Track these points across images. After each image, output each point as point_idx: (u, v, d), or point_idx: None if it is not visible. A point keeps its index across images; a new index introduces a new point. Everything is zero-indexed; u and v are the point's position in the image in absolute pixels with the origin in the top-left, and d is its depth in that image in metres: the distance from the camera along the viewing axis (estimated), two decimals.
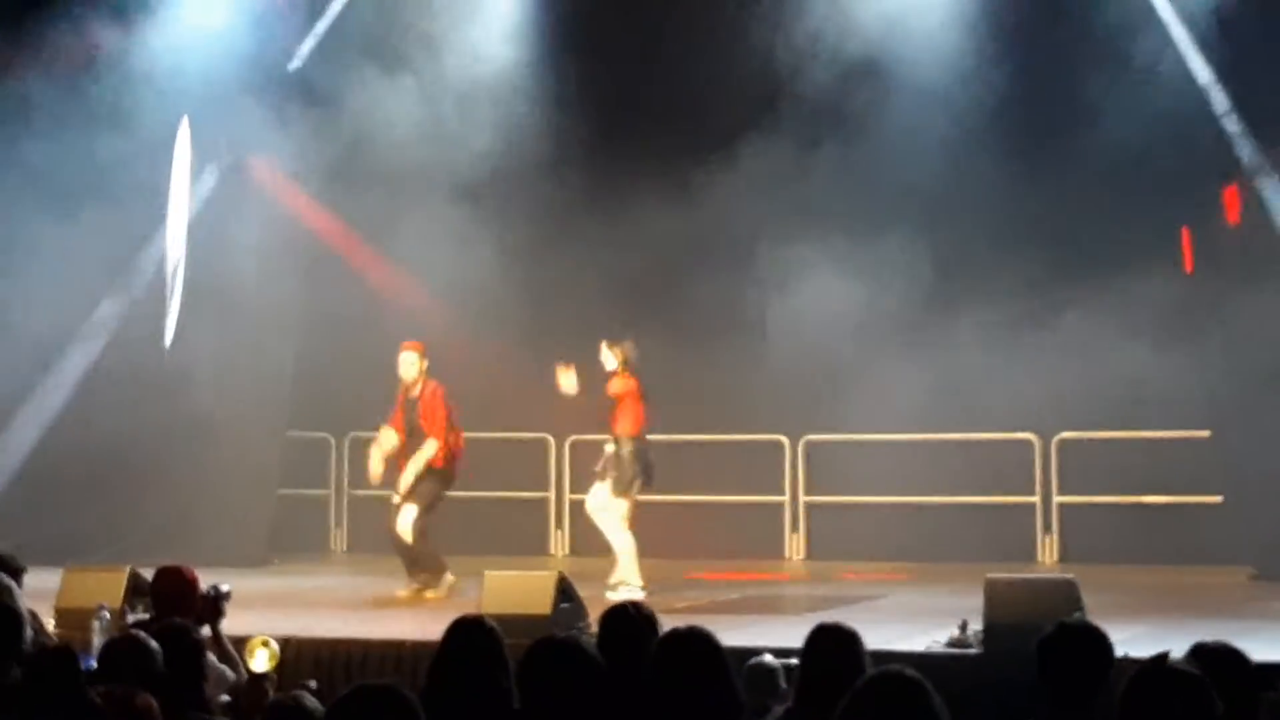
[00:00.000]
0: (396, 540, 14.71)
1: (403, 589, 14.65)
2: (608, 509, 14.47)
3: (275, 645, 7.87)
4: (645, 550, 14.60)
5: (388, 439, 14.88)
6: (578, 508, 18.33)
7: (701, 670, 5.49)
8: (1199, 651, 6.14)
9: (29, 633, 8.01)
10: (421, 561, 14.66)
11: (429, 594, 14.47)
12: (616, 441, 14.46)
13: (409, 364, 14.81)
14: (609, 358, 14.56)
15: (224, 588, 8.99)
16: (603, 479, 14.48)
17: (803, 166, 17.21)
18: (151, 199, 17.58)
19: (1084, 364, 17.20)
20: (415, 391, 14.79)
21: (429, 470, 14.72)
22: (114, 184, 16.66)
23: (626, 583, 14.30)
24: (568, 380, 14.60)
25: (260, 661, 7.75)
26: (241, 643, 8.56)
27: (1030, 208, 17.29)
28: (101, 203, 16.51)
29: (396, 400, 14.89)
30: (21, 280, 16.67)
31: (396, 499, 14.74)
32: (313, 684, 6.60)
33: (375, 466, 14.97)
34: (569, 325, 16.28)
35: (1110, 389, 17.20)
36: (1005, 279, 17.06)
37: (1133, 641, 7.20)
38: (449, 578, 14.52)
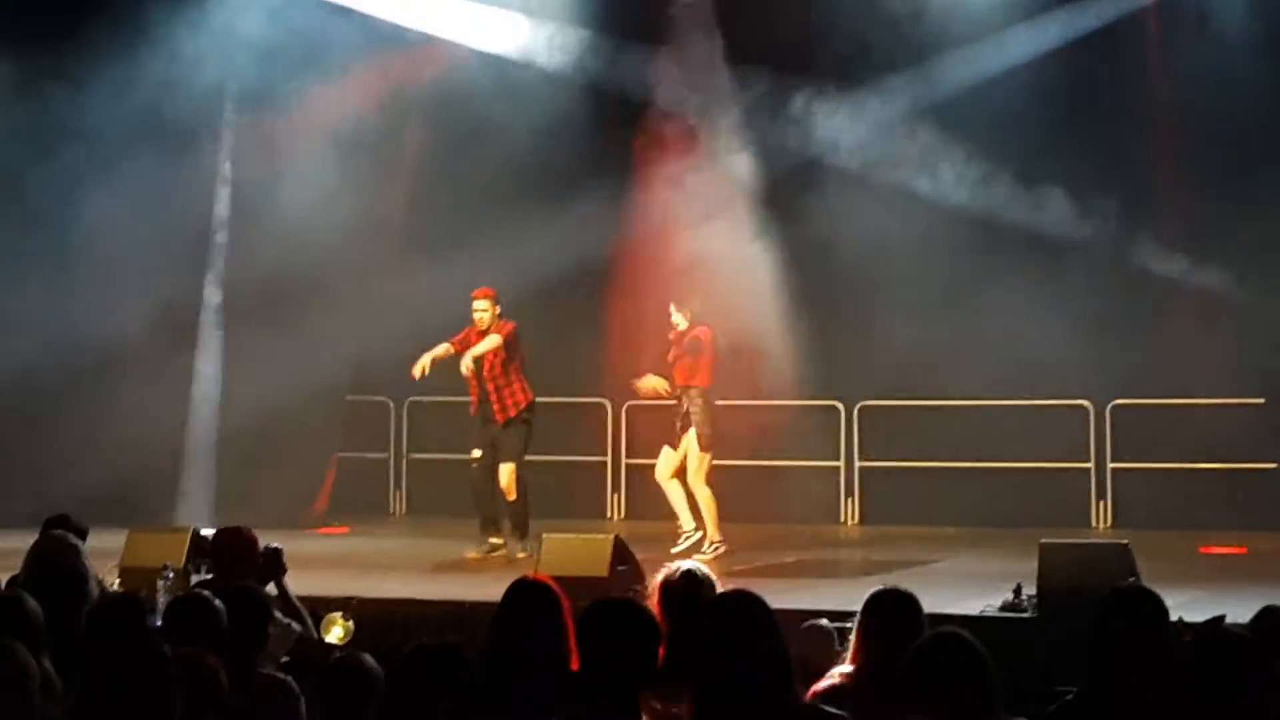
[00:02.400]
0: (500, 497, 14.79)
1: (472, 549, 14.71)
2: (695, 464, 14.59)
3: (350, 623, 8.00)
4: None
5: (441, 348, 14.97)
6: (634, 472, 18.45)
7: (750, 633, 5.53)
8: (1266, 615, 6.17)
9: (94, 593, 8.15)
10: (517, 518, 14.74)
11: (499, 553, 14.57)
12: (688, 393, 14.57)
13: (482, 311, 14.87)
14: (680, 318, 14.67)
15: (278, 546, 9.11)
16: (685, 433, 14.61)
17: (854, 112, 17.27)
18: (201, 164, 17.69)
19: (1138, 330, 17.19)
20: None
21: (514, 422, 14.80)
22: (164, 149, 16.81)
23: (712, 540, 14.48)
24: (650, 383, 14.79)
25: (334, 634, 7.87)
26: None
27: (1091, 173, 17.26)
28: (153, 168, 16.67)
29: (468, 337, 14.95)
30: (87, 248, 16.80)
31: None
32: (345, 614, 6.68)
33: (421, 365, 15.00)
34: (624, 291, 16.32)
35: (1165, 356, 17.19)
36: (1064, 245, 17.02)
37: (1186, 606, 7.25)
38: (521, 549, 14.59)
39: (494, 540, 14.77)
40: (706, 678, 5.46)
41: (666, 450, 14.84)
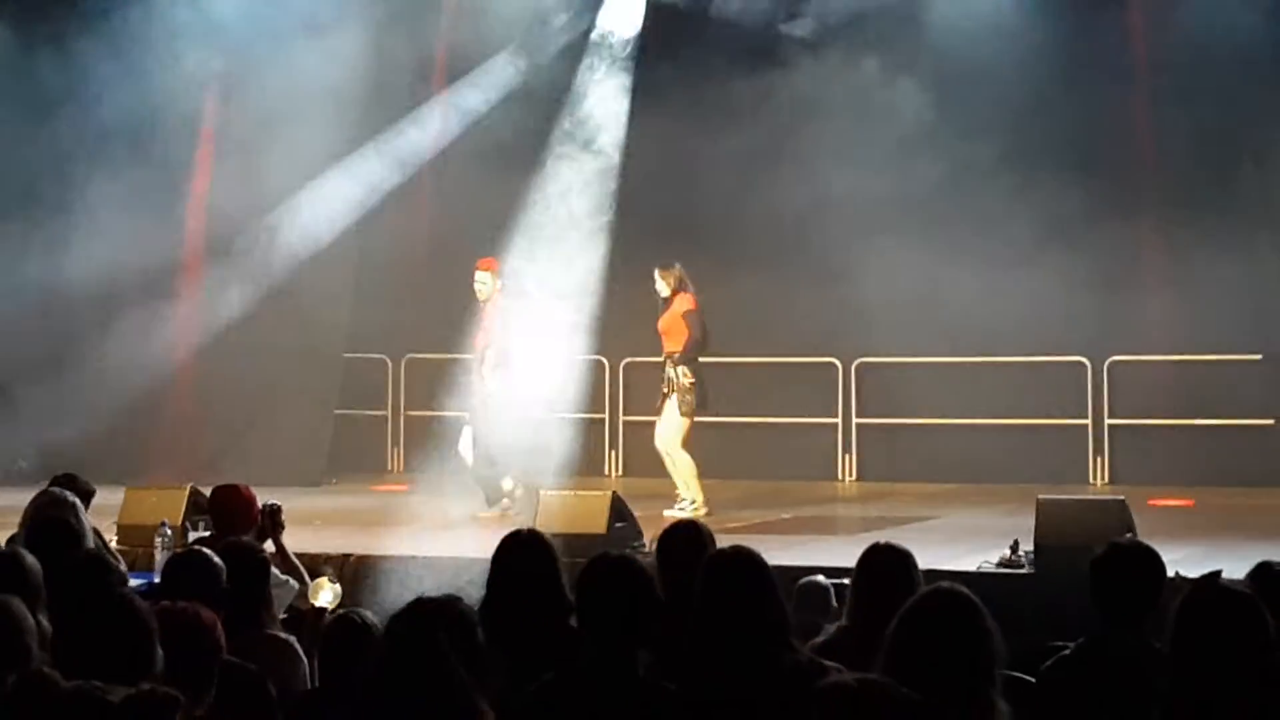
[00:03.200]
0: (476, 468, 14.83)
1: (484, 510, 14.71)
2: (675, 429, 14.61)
3: (338, 585, 8.03)
4: (699, 471, 14.69)
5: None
6: (631, 429, 18.46)
7: (747, 590, 5.54)
8: (1262, 570, 6.18)
9: (91, 548, 8.16)
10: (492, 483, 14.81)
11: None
12: (672, 359, 14.57)
13: (482, 284, 14.88)
14: (662, 284, 14.65)
15: (276, 503, 9.13)
16: (668, 399, 14.62)
17: (851, 84, 17.24)
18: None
19: (1136, 287, 17.20)
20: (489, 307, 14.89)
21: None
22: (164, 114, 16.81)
23: (692, 502, 14.49)
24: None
25: (324, 598, 7.90)
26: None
27: (1087, 130, 17.27)
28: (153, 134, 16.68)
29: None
30: (82, 208, 16.77)
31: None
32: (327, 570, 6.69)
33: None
34: (622, 250, 16.28)
35: (1162, 312, 17.20)
36: (1059, 201, 16.99)
37: (1183, 562, 7.25)
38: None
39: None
40: (705, 634, 5.48)
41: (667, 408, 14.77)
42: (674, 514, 13.84)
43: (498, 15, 17.57)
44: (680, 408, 14.53)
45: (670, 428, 14.63)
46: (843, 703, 4.12)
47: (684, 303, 14.61)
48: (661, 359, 14.80)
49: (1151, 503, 14.75)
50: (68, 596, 5.66)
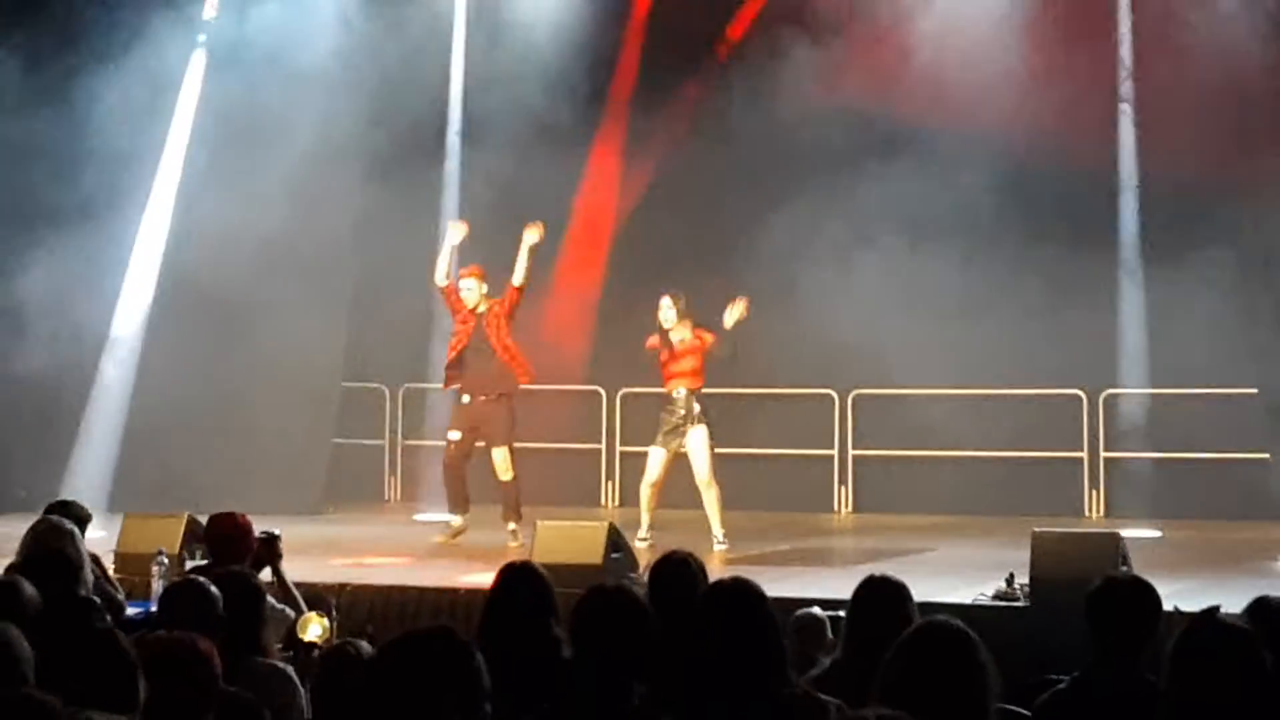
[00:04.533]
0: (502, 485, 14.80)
1: (511, 540, 14.57)
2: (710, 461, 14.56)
3: (328, 622, 8.02)
4: (693, 502, 14.70)
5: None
6: (628, 460, 18.46)
7: (746, 622, 5.53)
8: (1260, 606, 6.18)
9: (90, 577, 8.17)
10: (512, 499, 14.76)
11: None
12: (692, 393, 14.50)
13: (470, 290, 14.84)
14: (671, 312, 14.42)
15: (275, 532, 9.13)
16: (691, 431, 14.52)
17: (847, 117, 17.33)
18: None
19: (1132, 320, 17.23)
20: (482, 309, 14.84)
21: (511, 397, 14.85)
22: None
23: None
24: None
25: (312, 633, 7.89)
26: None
27: (1082, 162, 17.32)
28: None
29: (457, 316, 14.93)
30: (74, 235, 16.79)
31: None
32: (369, 629, 6.71)
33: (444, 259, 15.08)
34: (621, 282, 16.32)
35: (1157, 345, 17.23)
36: (1054, 235, 17.05)
37: (1180, 596, 7.26)
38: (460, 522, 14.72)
39: (461, 522, 14.81)
40: (702, 664, 5.48)
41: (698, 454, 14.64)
42: (723, 549, 13.91)
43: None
44: (710, 439, 14.48)
45: (708, 460, 14.54)
46: None
47: (697, 332, 14.55)
48: (668, 390, 14.56)
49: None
50: (53, 631, 5.64)
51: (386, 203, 17.90)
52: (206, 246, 17.00)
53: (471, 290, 14.83)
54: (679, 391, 14.45)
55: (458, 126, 19.59)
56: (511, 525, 14.61)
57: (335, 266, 17.68)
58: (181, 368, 16.79)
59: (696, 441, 14.43)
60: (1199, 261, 16.29)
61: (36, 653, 5.25)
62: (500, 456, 14.80)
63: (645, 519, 14.48)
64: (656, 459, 14.57)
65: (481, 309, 14.82)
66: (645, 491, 14.62)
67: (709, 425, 14.42)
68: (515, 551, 13.56)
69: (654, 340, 14.52)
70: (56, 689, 4.83)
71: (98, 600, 6.85)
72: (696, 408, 14.44)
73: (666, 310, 14.46)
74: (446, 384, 15.20)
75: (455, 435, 14.93)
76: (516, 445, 14.90)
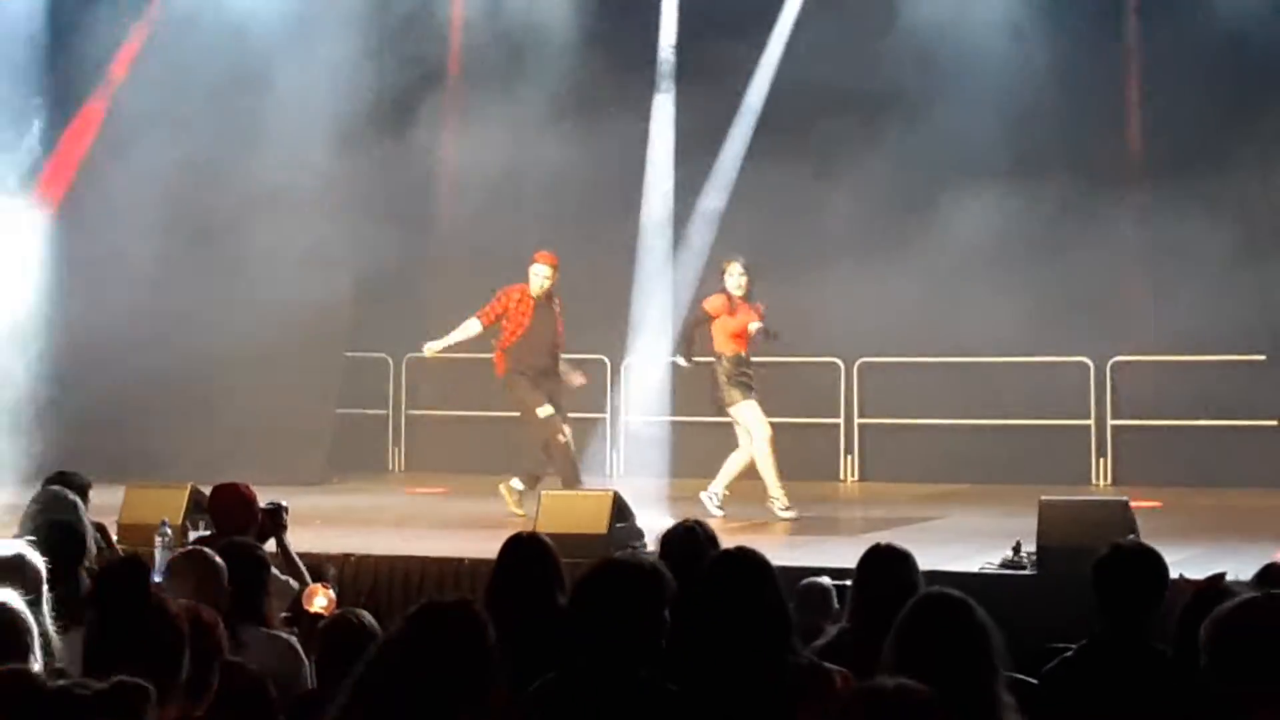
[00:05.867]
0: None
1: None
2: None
3: (333, 593, 8.02)
4: (701, 471, 14.69)
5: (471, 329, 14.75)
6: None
7: (750, 592, 5.52)
8: (1267, 572, 6.17)
9: (93, 548, 8.16)
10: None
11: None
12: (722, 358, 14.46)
13: (543, 277, 14.58)
14: (742, 279, 14.39)
15: (282, 503, 9.13)
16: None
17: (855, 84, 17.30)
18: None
19: (1139, 287, 17.19)
20: (551, 302, 14.65)
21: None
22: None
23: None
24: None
25: (318, 604, 7.89)
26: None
27: (1088, 129, 17.28)
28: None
29: (504, 306, 14.66)
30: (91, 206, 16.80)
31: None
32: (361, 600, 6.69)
33: (435, 345, 14.91)
34: (626, 249, 16.29)
35: (1165, 312, 17.17)
36: (1061, 199, 17.02)
37: (1187, 563, 7.25)
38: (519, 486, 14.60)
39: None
40: (707, 634, 5.46)
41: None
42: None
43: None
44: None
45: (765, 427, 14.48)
46: (868, 704, 4.10)
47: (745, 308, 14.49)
48: (746, 354, 14.51)
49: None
50: (104, 600, 5.61)
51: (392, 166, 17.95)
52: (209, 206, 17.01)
53: (545, 278, 14.53)
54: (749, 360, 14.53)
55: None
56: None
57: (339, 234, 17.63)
58: (184, 336, 16.76)
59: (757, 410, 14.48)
60: (1207, 227, 16.25)
61: (92, 618, 5.24)
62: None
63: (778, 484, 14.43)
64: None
65: (554, 305, 14.66)
66: (771, 450, 14.50)
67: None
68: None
69: (724, 304, 14.50)
70: (107, 658, 4.83)
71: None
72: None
73: (737, 278, 14.41)
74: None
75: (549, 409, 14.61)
76: None
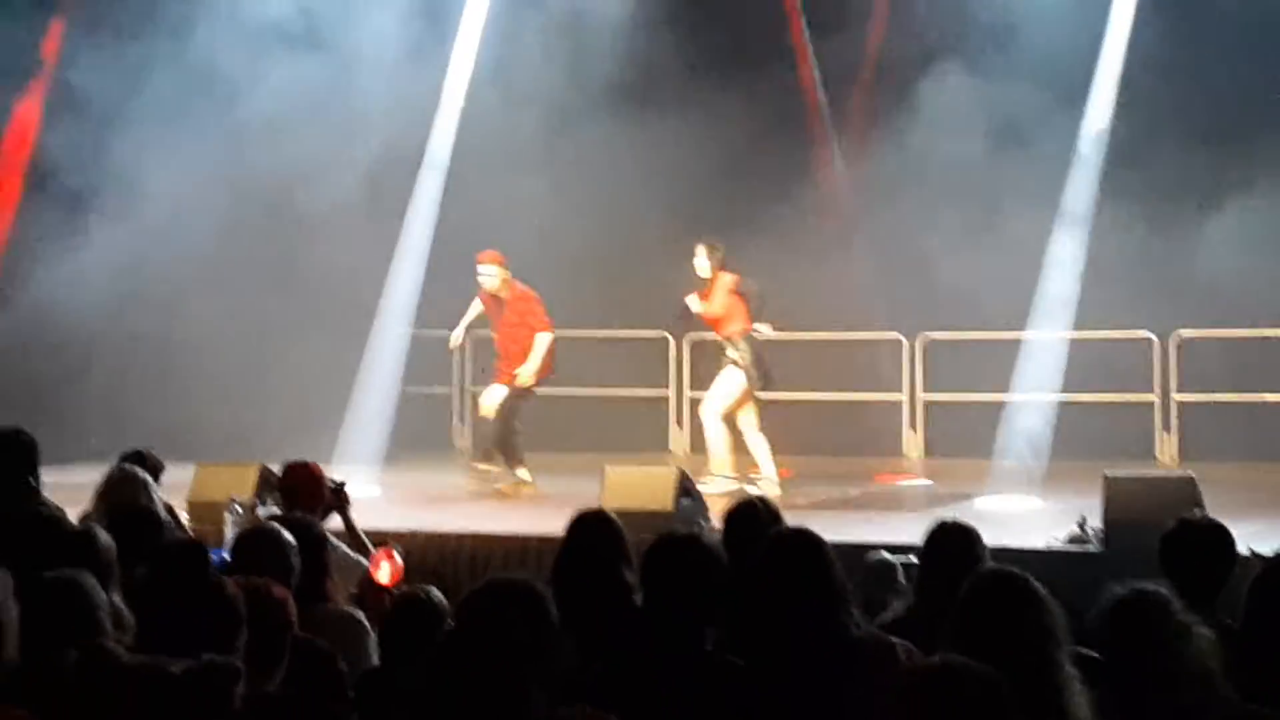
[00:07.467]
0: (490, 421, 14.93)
1: (501, 484, 14.76)
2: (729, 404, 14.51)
3: (400, 561, 8.05)
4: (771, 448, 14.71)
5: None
6: (698, 406, 18.41)
7: (803, 570, 5.54)
8: None
9: (166, 527, 8.21)
10: (503, 444, 14.82)
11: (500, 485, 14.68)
12: (732, 344, 14.45)
13: (490, 276, 14.88)
14: (705, 262, 14.40)
15: (339, 479, 9.18)
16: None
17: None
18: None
19: (1202, 261, 17.08)
20: (504, 294, 14.90)
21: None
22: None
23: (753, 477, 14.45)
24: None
25: (383, 574, 7.92)
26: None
27: (1157, 100, 17.18)
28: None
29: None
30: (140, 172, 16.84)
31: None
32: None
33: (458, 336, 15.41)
34: (678, 226, 16.26)
35: (1228, 286, 17.06)
36: (1125, 174, 16.94)
37: (1254, 537, 7.22)
38: (522, 474, 14.74)
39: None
40: (766, 610, 5.49)
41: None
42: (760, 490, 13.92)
43: None
44: (750, 382, 14.44)
45: (728, 401, 14.51)
46: (927, 682, 4.11)
47: (733, 282, 14.48)
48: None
49: None
50: (160, 580, 5.67)
51: None
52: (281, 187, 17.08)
53: (493, 277, 14.88)
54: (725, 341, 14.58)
55: None
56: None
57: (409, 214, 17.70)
58: (248, 318, 16.84)
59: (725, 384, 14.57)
60: (1275, 198, 16.16)
61: (140, 599, 5.29)
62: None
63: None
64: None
65: (504, 296, 14.93)
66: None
67: (746, 371, 14.45)
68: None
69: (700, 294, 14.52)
70: (166, 635, 4.88)
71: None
72: (734, 355, 14.54)
73: (701, 259, 14.45)
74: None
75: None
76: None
